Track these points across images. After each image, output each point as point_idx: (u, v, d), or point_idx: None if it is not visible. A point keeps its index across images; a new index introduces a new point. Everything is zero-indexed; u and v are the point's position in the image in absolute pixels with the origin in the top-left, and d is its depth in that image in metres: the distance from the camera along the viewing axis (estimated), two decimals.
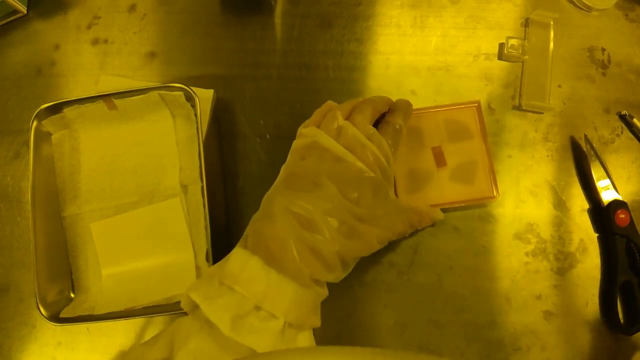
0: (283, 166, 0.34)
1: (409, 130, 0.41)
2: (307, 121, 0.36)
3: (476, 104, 0.42)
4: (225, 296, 0.27)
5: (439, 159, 0.41)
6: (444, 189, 0.40)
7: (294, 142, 0.35)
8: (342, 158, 0.32)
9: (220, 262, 0.30)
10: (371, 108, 0.35)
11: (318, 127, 0.34)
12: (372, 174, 0.32)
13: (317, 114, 0.36)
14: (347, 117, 0.34)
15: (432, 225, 0.40)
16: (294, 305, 0.28)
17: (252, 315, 0.27)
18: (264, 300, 0.27)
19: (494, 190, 0.40)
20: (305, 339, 0.29)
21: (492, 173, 0.40)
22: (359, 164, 0.31)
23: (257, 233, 0.30)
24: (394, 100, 0.39)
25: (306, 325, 0.29)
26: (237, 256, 0.29)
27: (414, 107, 0.40)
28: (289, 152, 0.35)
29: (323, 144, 0.32)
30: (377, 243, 0.33)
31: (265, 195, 0.33)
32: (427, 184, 0.40)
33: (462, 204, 0.41)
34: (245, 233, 0.31)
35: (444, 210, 0.40)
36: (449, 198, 0.40)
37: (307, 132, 0.34)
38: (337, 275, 0.31)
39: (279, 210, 0.30)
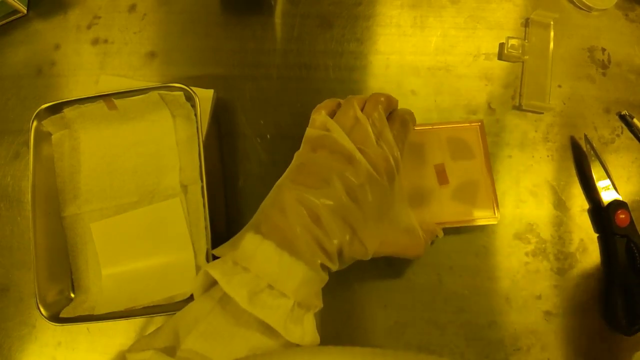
0: (296, 154, 0.34)
1: (411, 147, 0.41)
2: (319, 105, 0.35)
3: (479, 123, 0.41)
4: (240, 274, 0.29)
5: (441, 177, 0.40)
6: (445, 208, 0.40)
7: (307, 129, 0.35)
8: (353, 158, 0.31)
9: (229, 242, 0.32)
10: (385, 99, 0.34)
11: (332, 115, 0.34)
12: (379, 178, 0.31)
13: (331, 100, 0.35)
14: (362, 108, 0.34)
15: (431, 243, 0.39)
16: (303, 286, 0.29)
17: (266, 293, 0.28)
18: (277, 281, 0.28)
19: (495, 212, 0.39)
20: (310, 319, 0.30)
21: (494, 194, 0.40)
22: (369, 167, 0.31)
23: (268, 221, 0.31)
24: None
25: (311, 306, 0.30)
26: (250, 239, 0.30)
27: (414, 112, 0.39)
28: (302, 140, 0.35)
29: (336, 140, 0.32)
30: (373, 251, 0.33)
31: (276, 184, 0.33)
32: (428, 201, 0.40)
33: (463, 224, 0.40)
34: (254, 219, 0.32)
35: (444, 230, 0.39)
36: (450, 217, 0.39)
37: (320, 121, 0.34)
38: (337, 267, 0.32)
39: (289, 201, 0.30)
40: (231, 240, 0.32)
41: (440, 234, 0.38)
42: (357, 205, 0.31)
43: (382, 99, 0.34)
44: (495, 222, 0.40)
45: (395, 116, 0.35)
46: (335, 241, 0.30)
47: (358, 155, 0.31)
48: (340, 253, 0.31)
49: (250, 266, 0.29)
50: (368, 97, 0.35)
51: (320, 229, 0.30)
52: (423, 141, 0.41)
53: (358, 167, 0.31)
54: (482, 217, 0.39)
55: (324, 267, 0.31)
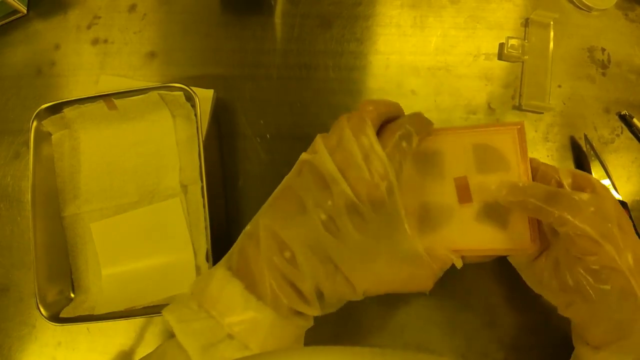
0: (285, 177, 0.31)
1: (426, 154, 0.34)
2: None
3: (518, 126, 0.33)
4: (201, 320, 0.26)
5: (463, 193, 0.32)
6: (467, 232, 0.32)
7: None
8: (333, 181, 0.27)
9: (204, 275, 0.29)
10: (374, 107, 0.29)
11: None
12: (362, 207, 0.27)
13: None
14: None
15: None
16: (270, 337, 0.26)
17: (225, 344, 0.26)
18: (239, 330, 0.26)
19: (533, 238, 0.31)
20: None
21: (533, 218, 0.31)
22: (349, 193, 0.27)
23: (241, 253, 0.28)
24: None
25: None
26: (220, 276, 0.27)
27: (416, 110, 0.33)
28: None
29: (317, 161, 0.28)
30: (363, 290, 0.29)
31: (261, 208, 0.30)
32: (445, 223, 0.33)
33: (489, 253, 0.32)
34: (236, 244, 0.29)
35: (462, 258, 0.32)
36: (471, 244, 0.32)
37: (318, 145, 0.29)
38: (320, 311, 0.28)
39: (263, 232, 0.28)
40: (212, 269, 0.29)
41: (458, 263, 0.31)
42: (338, 237, 0.27)
43: (371, 108, 0.29)
44: (532, 251, 0.32)
45: (394, 127, 0.30)
46: (311, 281, 0.27)
47: (338, 178, 0.27)
48: (320, 294, 0.28)
49: (213, 310, 0.26)
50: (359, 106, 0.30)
51: (294, 267, 0.26)
52: (441, 148, 0.34)
53: (336, 193, 0.27)
54: (513, 246, 0.32)
55: (300, 313, 0.28)
